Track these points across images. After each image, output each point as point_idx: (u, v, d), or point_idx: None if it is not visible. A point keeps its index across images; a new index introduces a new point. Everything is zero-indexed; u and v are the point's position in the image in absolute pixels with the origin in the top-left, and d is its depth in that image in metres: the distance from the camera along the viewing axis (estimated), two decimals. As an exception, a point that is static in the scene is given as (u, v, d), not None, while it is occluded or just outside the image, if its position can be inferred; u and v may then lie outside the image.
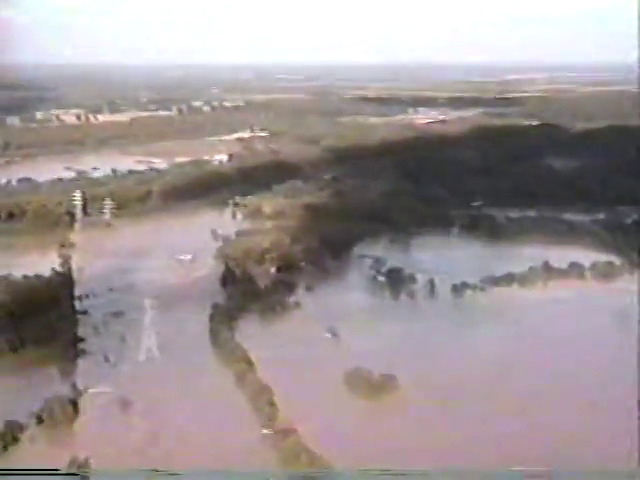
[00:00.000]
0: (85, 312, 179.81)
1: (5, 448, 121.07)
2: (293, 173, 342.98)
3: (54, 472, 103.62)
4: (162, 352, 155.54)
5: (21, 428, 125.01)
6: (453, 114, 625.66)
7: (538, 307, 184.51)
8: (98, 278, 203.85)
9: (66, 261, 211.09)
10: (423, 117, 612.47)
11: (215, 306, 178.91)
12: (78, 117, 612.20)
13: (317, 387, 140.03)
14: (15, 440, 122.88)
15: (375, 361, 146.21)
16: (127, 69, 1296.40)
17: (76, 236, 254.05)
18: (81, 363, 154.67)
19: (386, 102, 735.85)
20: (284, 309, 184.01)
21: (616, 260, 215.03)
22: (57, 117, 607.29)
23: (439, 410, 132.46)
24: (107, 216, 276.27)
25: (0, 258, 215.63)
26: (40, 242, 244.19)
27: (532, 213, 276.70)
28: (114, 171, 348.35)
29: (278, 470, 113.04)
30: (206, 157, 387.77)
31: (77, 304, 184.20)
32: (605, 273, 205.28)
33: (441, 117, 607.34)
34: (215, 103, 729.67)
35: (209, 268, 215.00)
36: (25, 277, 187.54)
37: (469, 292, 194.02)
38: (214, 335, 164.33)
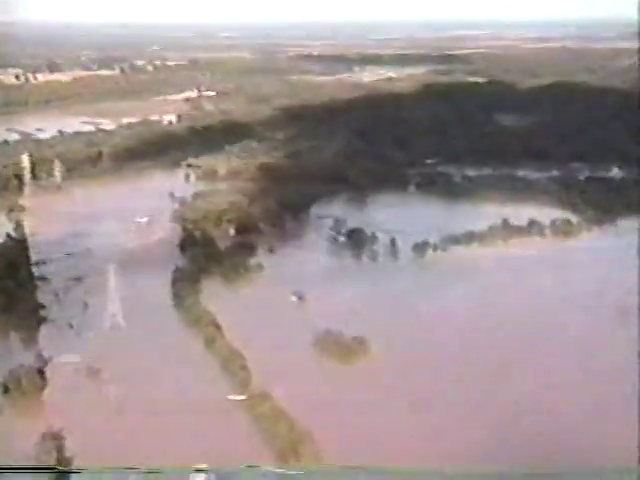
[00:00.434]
0: (44, 278, 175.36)
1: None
2: (245, 133, 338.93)
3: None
4: (126, 318, 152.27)
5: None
6: (400, 72, 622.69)
7: (501, 265, 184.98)
8: (53, 243, 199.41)
9: (19, 226, 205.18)
10: (371, 75, 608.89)
11: (177, 269, 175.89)
12: (17, 77, 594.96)
13: (288, 351, 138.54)
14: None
15: (344, 324, 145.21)
16: (64, 27, 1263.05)
17: (26, 200, 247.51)
18: (44, 331, 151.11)
19: (331, 60, 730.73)
20: (247, 271, 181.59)
21: (572, 217, 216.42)
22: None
23: (412, 373, 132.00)
24: (57, 179, 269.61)
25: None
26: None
27: (487, 171, 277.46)
28: (61, 132, 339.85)
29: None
30: (155, 117, 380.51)
31: (35, 270, 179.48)
32: (565, 231, 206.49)
33: (388, 75, 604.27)
34: (158, 62, 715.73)
35: (167, 231, 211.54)
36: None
37: (430, 251, 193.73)
38: (178, 299, 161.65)
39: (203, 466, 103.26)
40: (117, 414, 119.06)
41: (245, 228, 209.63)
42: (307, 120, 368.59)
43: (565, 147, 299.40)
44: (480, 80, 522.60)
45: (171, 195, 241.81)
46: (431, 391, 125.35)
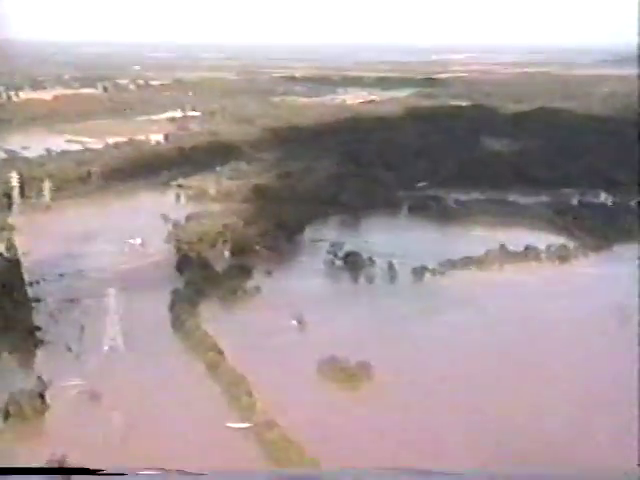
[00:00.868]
0: (39, 299, 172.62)
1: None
2: (233, 154, 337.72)
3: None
4: (126, 341, 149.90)
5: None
6: (383, 94, 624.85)
7: (500, 290, 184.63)
8: (46, 263, 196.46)
9: (12, 245, 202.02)
10: (354, 97, 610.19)
11: (175, 292, 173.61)
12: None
13: (291, 377, 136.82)
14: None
15: (346, 349, 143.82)
16: (45, 45, 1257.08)
17: (15, 219, 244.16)
18: (42, 354, 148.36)
19: (314, 81, 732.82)
20: (245, 294, 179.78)
21: (569, 243, 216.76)
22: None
23: (416, 396, 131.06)
24: (46, 198, 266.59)
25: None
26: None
27: (478, 195, 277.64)
28: (48, 151, 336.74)
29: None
30: (141, 137, 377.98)
31: (29, 291, 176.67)
32: (561, 256, 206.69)
33: (371, 97, 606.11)
34: (141, 81, 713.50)
35: (162, 253, 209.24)
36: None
37: (428, 276, 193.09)
38: (178, 323, 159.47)
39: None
40: (120, 441, 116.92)
41: (241, 250, 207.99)
42: (294, 141, 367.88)
43: (554, 172, 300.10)
44: (464, 104, 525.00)
45: (164, 216, 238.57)
46: (433, 414, 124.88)
